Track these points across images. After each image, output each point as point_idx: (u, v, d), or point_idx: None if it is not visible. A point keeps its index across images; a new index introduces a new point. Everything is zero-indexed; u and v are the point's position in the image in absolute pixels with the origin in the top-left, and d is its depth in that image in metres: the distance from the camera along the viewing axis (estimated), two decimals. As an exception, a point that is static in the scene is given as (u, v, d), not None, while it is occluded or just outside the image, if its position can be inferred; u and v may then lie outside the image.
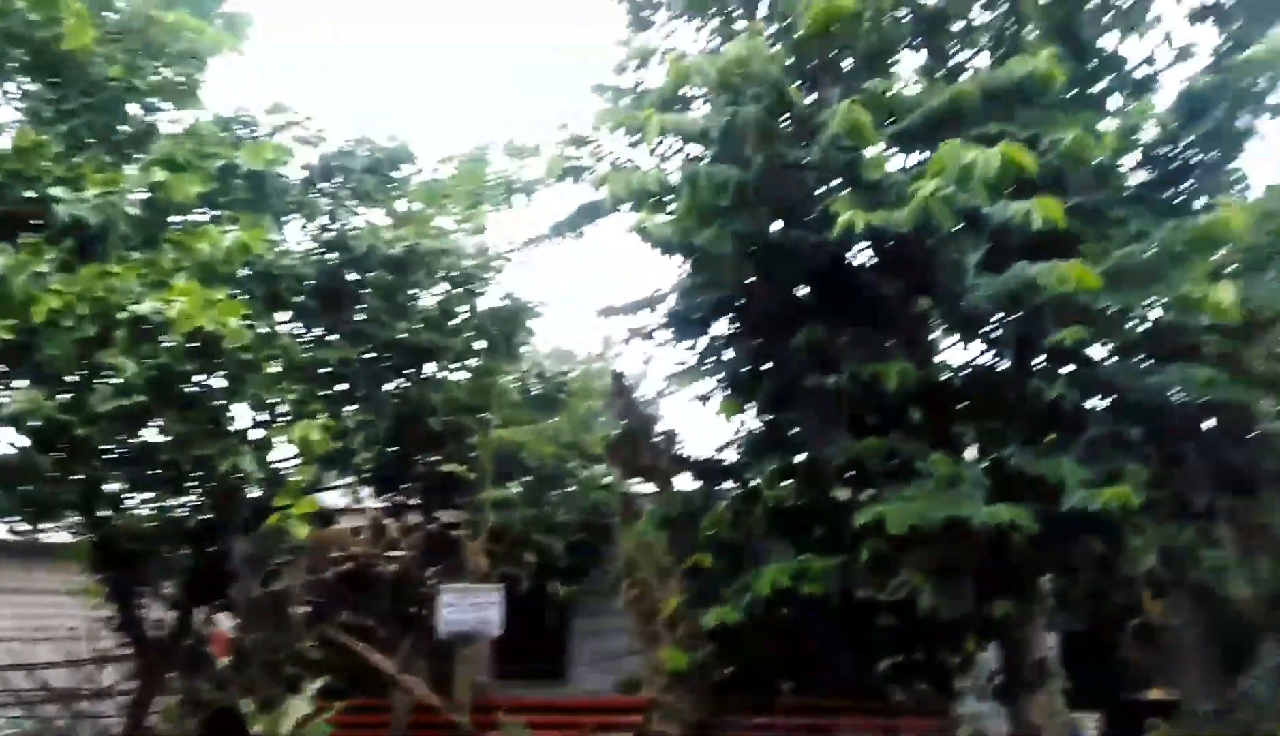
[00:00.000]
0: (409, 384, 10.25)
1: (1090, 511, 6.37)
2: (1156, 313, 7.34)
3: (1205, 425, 7.58)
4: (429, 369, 10.39)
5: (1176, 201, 7.59)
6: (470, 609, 9.46)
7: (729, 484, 9.33)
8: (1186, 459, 7.38)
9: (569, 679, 12.51)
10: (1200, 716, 9.09)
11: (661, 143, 8.54)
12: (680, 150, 8.75)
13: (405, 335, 9.50)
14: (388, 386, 10.10)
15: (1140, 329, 7.53)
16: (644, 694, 9.69)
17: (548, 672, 12.38)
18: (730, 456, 9.32)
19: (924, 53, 8.71)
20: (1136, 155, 7.77)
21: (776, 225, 7.93)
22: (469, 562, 10.06)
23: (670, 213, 7.89)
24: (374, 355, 9.68)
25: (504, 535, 10.66)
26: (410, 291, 9.81)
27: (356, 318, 9.52)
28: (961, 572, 7.45)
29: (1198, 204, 7.45)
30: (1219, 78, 7.03)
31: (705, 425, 11.97)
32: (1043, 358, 7.52)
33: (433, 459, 10.53)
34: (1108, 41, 8.06)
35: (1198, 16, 7.58)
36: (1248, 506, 7.48)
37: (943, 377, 8.06)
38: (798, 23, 7.58)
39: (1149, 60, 7.93)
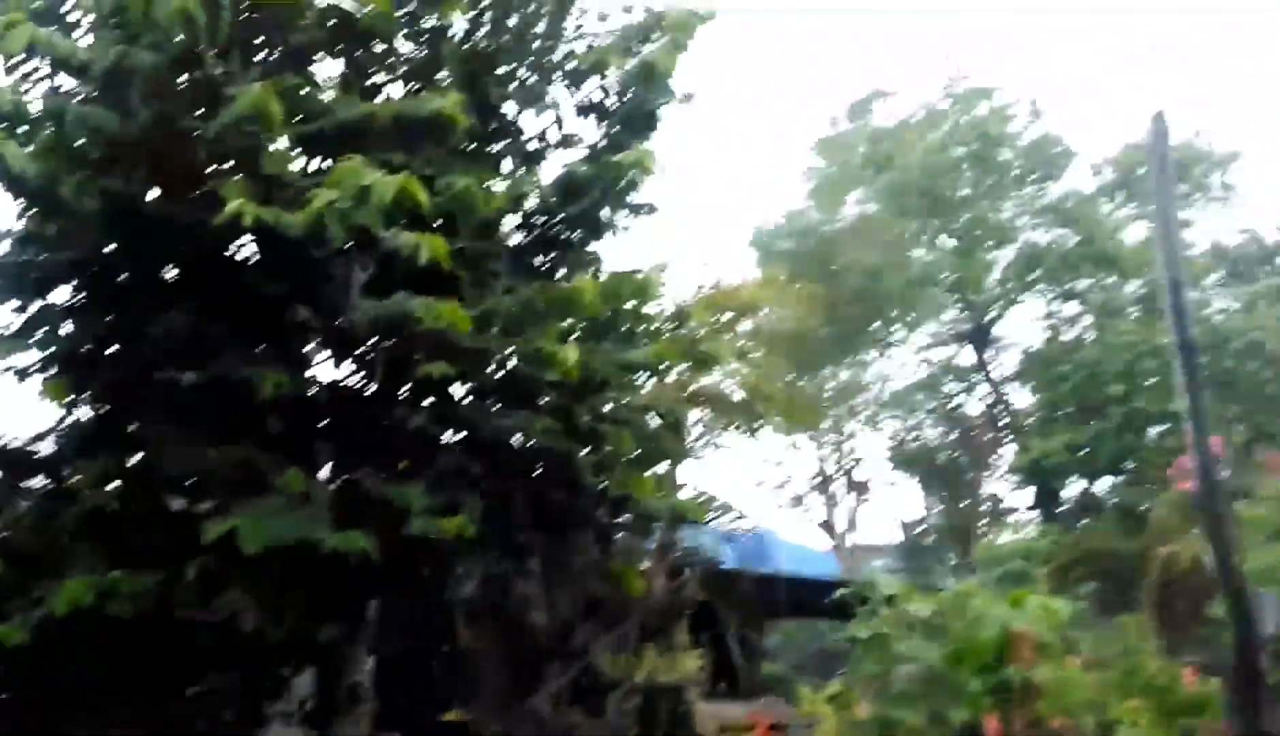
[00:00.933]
0: None
1: (430, 539, 6.70)
2: (513, 362, 8.07)
3: (536, 469, 8.49)
4: None
5: (544, 267, 8.50)
6: None
7: (41, 479, 7.93)
8: (515, 497, 8.17)
9: None
10: (488, 736, 9.98)
11: (29, 60, 7.14)
12: (51, 76, 7.40)
13: None
14: None
15: (497, 374, 8.21)
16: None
17: None
18: (47, 447, 7.94)
19: (343, 63, 8.62)
20: (518, 218, 8.56)
21: (155, 193, 7.10)
22: None
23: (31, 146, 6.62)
24: None
25: None
26: None
27: None
28: (294, 594, 7.26)
29: (560, 273, 8.44)
30: (594, 168, 8.11)
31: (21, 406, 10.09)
32: (409, 387, 7.78)
33: None
34: (510, 109, 8.83)
35: (584, 111, 8.67)
36: (556, 545, 8.53)
37: (311, 392, 7.87)
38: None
39: (541, 137, 8.84)
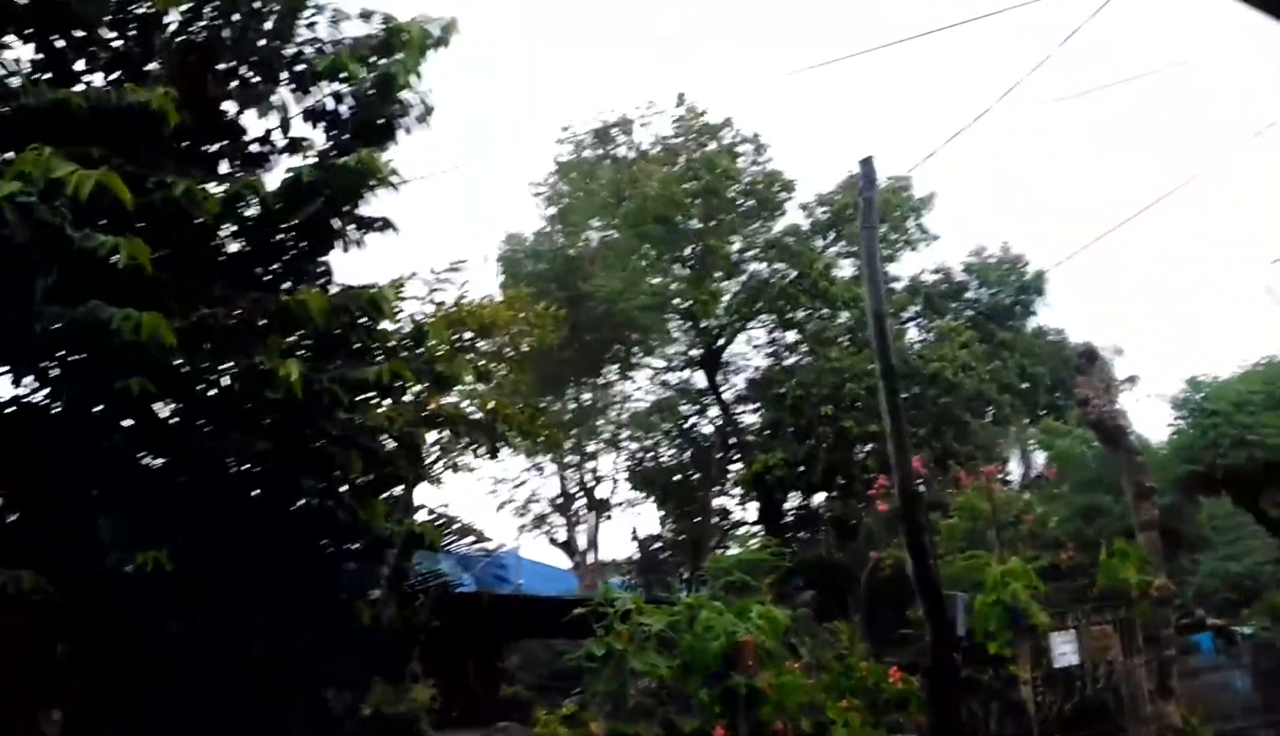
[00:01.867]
0: None
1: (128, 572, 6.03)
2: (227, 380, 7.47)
3: (255, 494, 7.89)
4: None
5: (266, 278, 7.95)
6: None
7: None
8: (231, 525, 7.54)
9: None
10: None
11: None
12: None
13: None
14: None
15: (210, 393, 7.56)
16: None
17: None
18: None
19: (34, 47, 7.70)
20: (237, 225, 7.95)
21: None
22: None
23: None
24: None
25: None
26: None
27: None
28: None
29: (285, 286, 7.92)
30: (322, 174, 7.68)
31: None
32: (103, 406, 6.99)
33: None
34: (231, 109, 8.22)
35: (314, 116, 8.23)
36: (277, 574, 7.93)
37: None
38: None
39: (265, 139, 8.29)
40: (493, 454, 9.56)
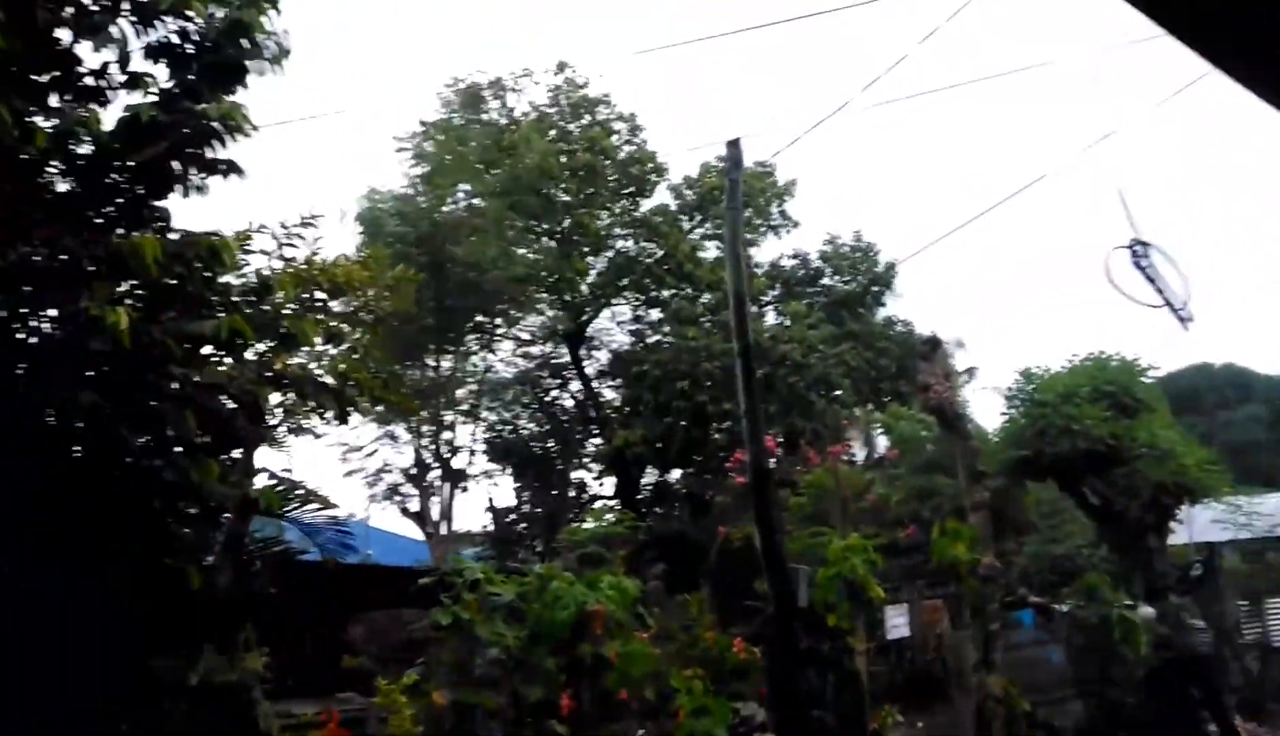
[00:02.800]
0: None
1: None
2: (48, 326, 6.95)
3: (76, 451, 7.36)
4: None
5: (97, 221, 7.40)
6: None
7: None
8: (47, 485, 7.04)
9: None
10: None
11: None
12: None
13: None
14: None
15: (31, 340, 7.02)
16: None
17: None
18: None
19: None
20: (67, 164, 7.37)
21: None
22: None
23: None
24: None
25: None
26: None
27: None
28: None
29: (118, 230, 7.40)
30: (165, 115, 7.20)
31: None
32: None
33: None
34: (64, 37, 7.59)
35: (156, 53, 7.69)
36: (100, 538, 7.47)
37: None
38: None
39: (102, 73, 7.70)
40: (342, 419, 9.24)
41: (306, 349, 10.17)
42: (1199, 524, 23.69)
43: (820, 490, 16.46)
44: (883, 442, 21.47)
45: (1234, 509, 23.39)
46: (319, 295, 10.13)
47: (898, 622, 12.44)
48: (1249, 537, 25.84)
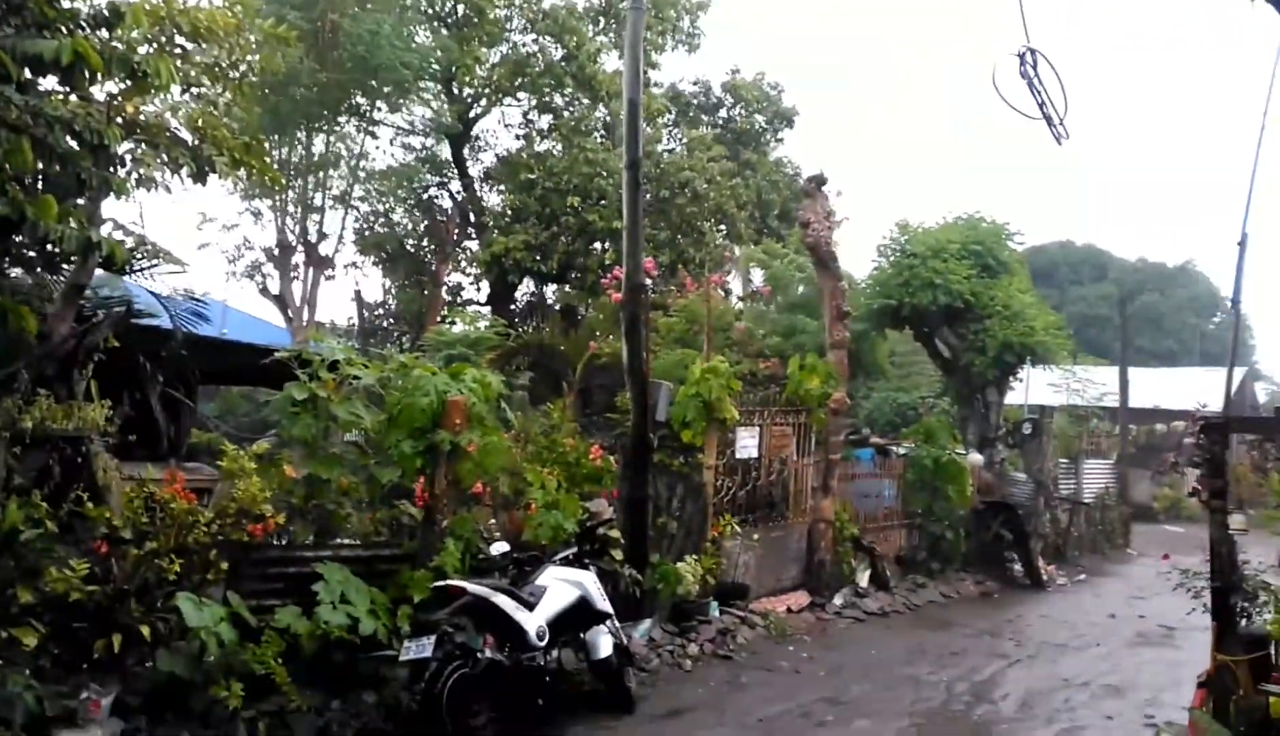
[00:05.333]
0: None
1: None
2: None
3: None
4: None
5: None
6: None
7: None
8: None
9: None
10: None
11: None
12: None
13: None
14: None
15: None
16: None
17: None
18: None
19: None
20: None
21: None
22: None
23: None
24: None
25: None
26: None
27: None
28: None
29: None
30: None
31: None
32: None
33: None
34: None
35: None
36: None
37: None
38: None
39: None
40: (199, 178, 8.64)
41: (162, 99, 9.38)
42: (1037, 386, 25.37)
43: (691, 315, 16.71)
44: (758, 278, 21.83)
45: (1070, 375, 25.12)
46: (179, 40, 9.26)
47: (747, 444, 12.98)
48: (1078, 404, 27.92)
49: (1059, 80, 5.22)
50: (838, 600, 13.63)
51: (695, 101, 29.20)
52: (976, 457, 18.28)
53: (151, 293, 10.32)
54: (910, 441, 17.39)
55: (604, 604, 8.57)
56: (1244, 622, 5.70)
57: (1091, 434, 31.12)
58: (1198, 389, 25.42)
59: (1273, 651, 5.48)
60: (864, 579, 14.66)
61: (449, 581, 7.75)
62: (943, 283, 18.31)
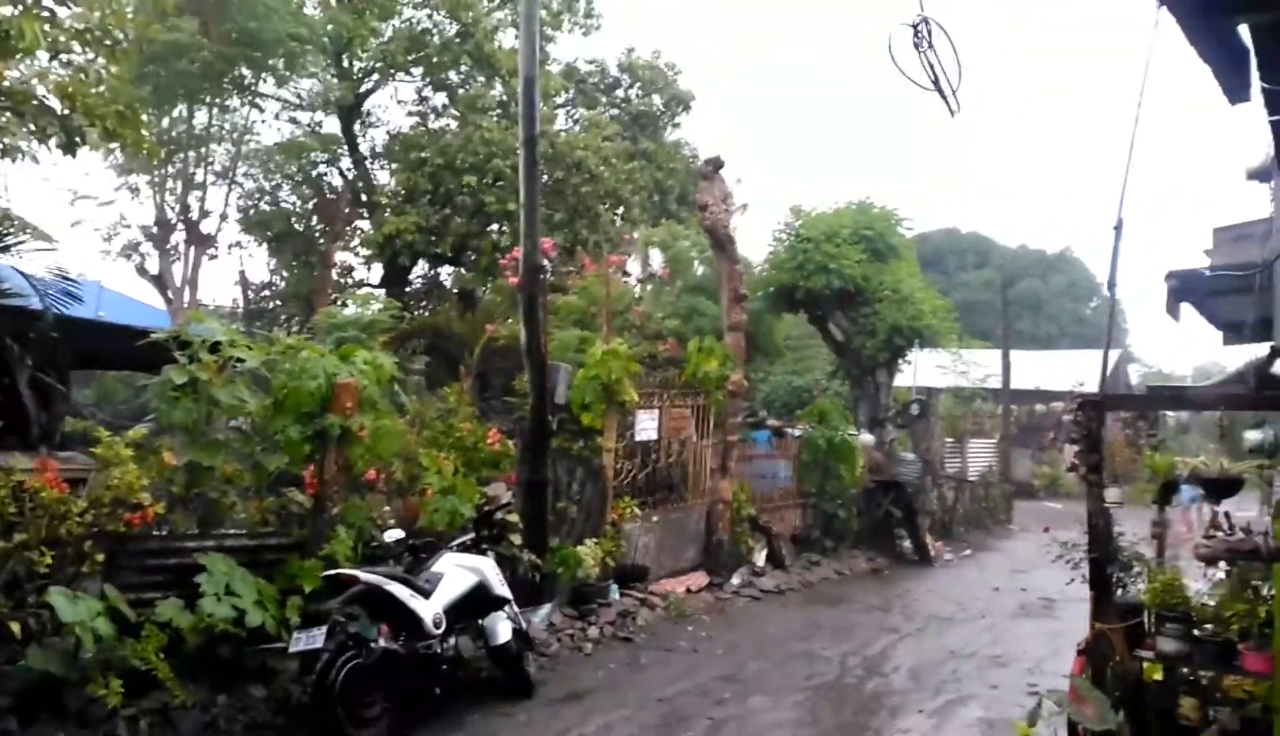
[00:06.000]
0: None
1: None
2: None
3: None
4: None
5: None
6: None
7: None
8: None
9: None
10: None
11: None
12: None
13: None
14: None
15: None
16: None
17: None
18: None
19: None
20: None
21: None
22: None
23: None
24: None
25: None
26: None
27: None
28: None
29: None
30: None
31: None
32: None
33: None
34: None
35: None
36: None
37: None
38: None
39: None
40: (69, 149, 8.16)
41: (27, 64, 8.82)
42: (924, 368, 26.21)
43: (590, 297, 16.64)
44: (657, 260, 21.87)
45: (956, 357, 26.03)
46: (46, 1, 8.72)
47: (647, 426, 13.02)
48: (963, 386, 28.96)
49: (954, 51, 5.33)
50: (735, 579, 13.83)
51: (592, 80, 29.03)
52: (867, 438, 18.78)
53: (18, 271, 9.73)
54: (805, 423, 17.75)
55: (502, 589, 8.48)
56: (1120, 592, 5.98)
57: (976, 414, 32.38)
58: (1075, 370, 26.74)
59: (1146, 619, 5.76)
60: (761, 558, 14.92)
61: (340, 570, 7.54)
62: (836, 267, 18.71)
